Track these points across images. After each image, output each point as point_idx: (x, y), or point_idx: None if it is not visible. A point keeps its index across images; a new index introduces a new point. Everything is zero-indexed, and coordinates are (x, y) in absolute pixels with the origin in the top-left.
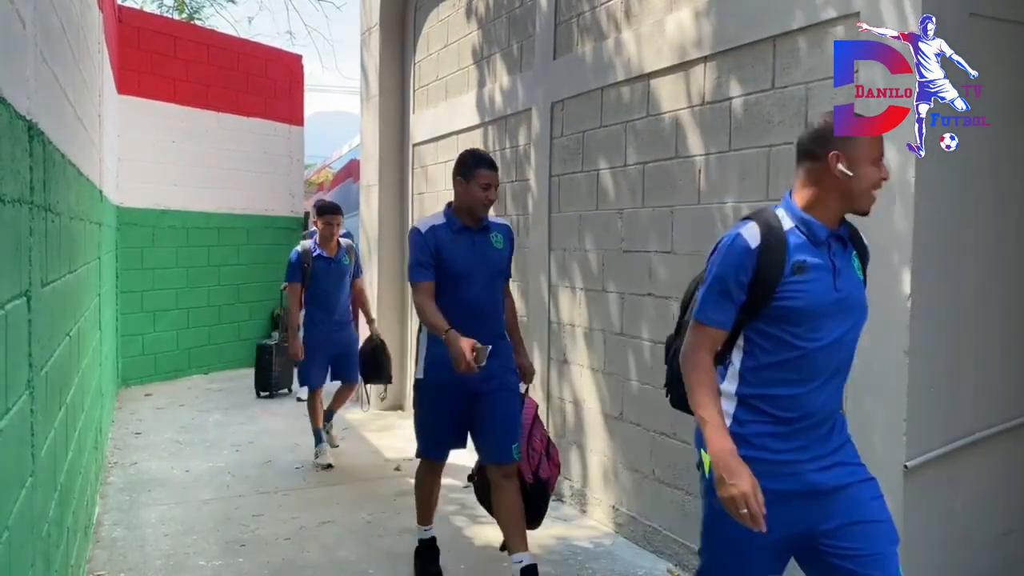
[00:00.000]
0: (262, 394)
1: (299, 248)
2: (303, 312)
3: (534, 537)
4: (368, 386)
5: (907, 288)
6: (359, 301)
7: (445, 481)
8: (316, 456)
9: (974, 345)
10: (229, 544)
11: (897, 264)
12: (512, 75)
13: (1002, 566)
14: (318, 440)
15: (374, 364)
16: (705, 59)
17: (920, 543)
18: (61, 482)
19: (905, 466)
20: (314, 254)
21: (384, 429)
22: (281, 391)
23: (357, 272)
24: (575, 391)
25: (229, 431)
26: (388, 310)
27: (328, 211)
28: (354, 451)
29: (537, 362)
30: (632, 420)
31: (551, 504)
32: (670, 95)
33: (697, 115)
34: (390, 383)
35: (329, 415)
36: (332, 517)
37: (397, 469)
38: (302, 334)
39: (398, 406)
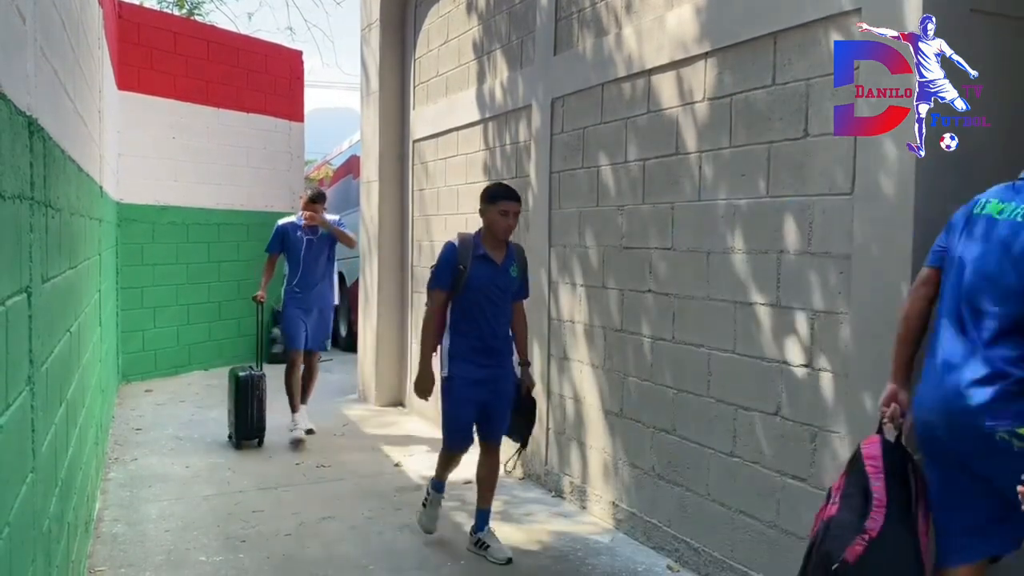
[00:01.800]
0: (244, 443)
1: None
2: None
3: (534, 533)
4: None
5: (908, 286)
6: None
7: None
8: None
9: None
10: (229, 540)
11: (898, 263)
12: (513, 71)
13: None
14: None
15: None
16: (706, 55)
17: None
18: (62, 478)
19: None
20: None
21: (384, 426)
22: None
23: (521, 292)
24: (575, 387)
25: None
26: (388, 307)
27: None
28: (354, 447)
29: (537, 358)
30: (632, 416)
31: (551, 500)
32: (671, 91)
33: (698, 111)
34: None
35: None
36: (332, 513)
37: (397, 465)
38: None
39: (398, 402)
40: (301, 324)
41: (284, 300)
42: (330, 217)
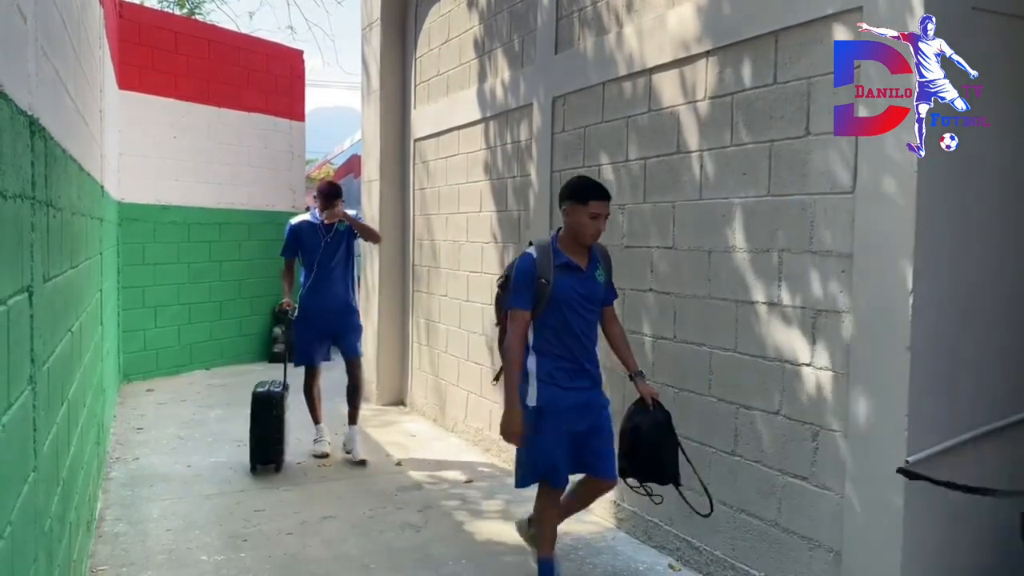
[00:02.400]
0: (260, 467)
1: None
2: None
3: None
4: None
5: (908, 285)
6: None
7: (446, 476)
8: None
9: (975, 342)
10: (231, 539)
11: (898, 262)
12: (513, 70)
13: (1003, 564)
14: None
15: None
16: (707, 54)
17: (921, 541)
18: (63, 477)
19: (907, 462)
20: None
21: (385, 425)
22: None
23: (610, 296)
24: None
25: (231, 426)
26: (389, 306)
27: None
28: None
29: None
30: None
31: None
32: (672, 90)
33: (699, 110)
34: (678, 484)
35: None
36: (334, 512)
37: (398, 464)
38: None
39: (399, 402)
40: (315, 337)
41: (299, 307)
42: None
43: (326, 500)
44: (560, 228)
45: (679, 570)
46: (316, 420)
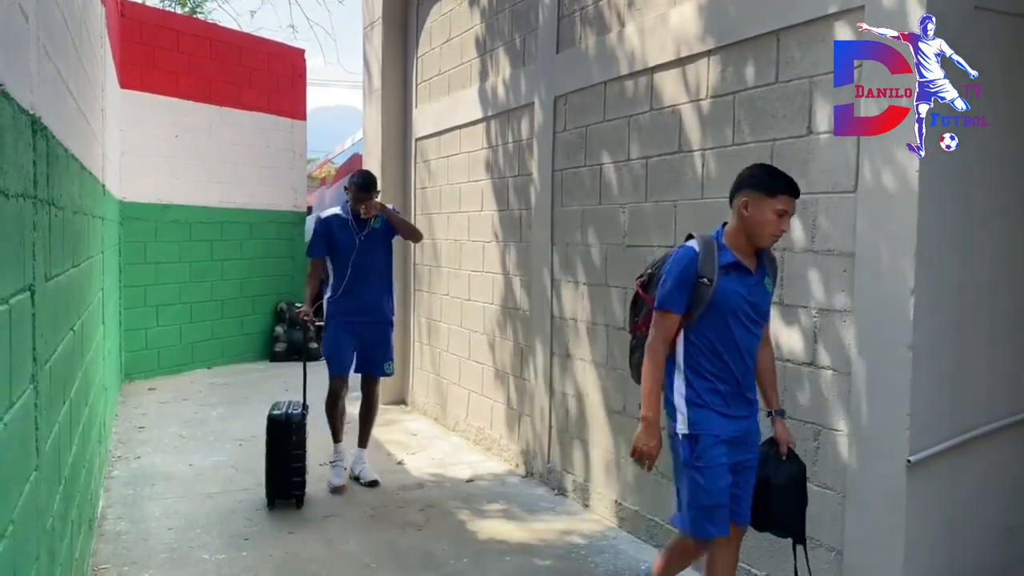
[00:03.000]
0: (278, 502)
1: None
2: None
3: (537, 531)
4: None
5: (910, 284)
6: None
7: (447, 475)
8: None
9: (977, 340)
10: (233, 538)
11: (900, 261)
12: (515, 69)
13: (1005, 562)
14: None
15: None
16: (709, 53)
17: (923, 538)
18: (65, 476)
19: (908, 461)
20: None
21: (387, 423)
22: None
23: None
24: (578, 385)
25: (232, 425)
26: None
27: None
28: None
29: (540, 356)
30: (635, 415)
31: (554, 499)
32: (673, 89)
33: (700, 109)
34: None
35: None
36: (335, 511)
37: (400, 463)
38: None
39: (400, 400)
40: (348, 345)
41: (327, 313)
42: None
43: (327, 499)
44: (725, 223)
45: None
46: (336, 438)
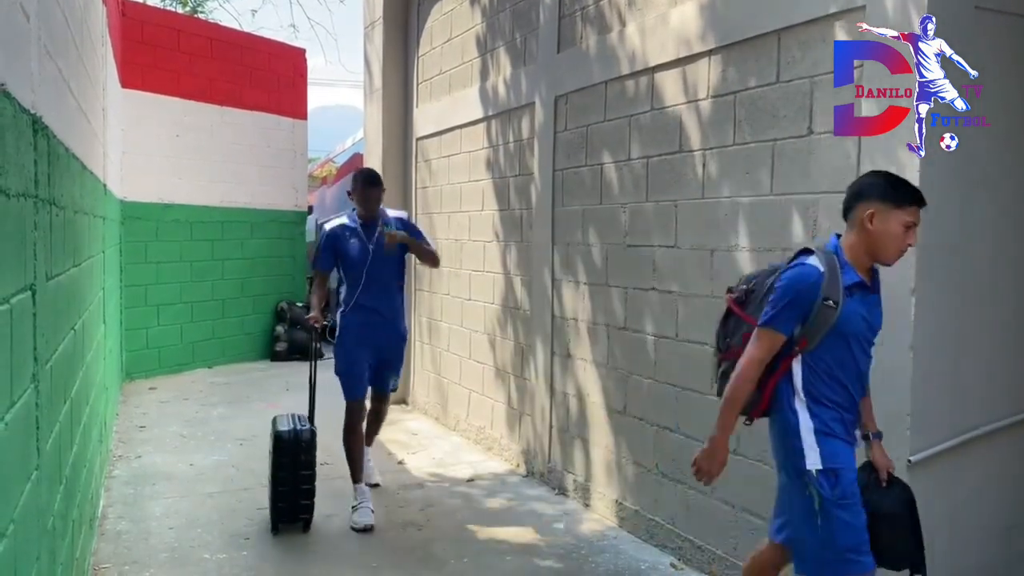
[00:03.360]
0: (283, 526)
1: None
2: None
3: (538, 531)
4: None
5: (911, 284)
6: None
7: (448, 475)
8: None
9: (977, 340)
10: (233, 537)
11: (901, 261)
12: (516, 68)
13: (1006, 562)
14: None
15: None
16: (710, 52)
17: (924, 538)
18: (66, 475)
19: (909, 461)
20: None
21: (387, 423)
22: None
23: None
24: (578, 385)
25: (233, 425)
26: None
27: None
28: None
29: (540, 356)
30: (635, 414)
31: (554, 498)
32: (674, 89)
33: (701, 109)
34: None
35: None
36: (336, 511)
37: (400, 463)
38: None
39: (400, 400)
40: (364, 363)
41: (339, 328)
42: (393, 214)
43: (328, 498)
44: (839, 235)
45: (681, 569)
46: (356, 478)
